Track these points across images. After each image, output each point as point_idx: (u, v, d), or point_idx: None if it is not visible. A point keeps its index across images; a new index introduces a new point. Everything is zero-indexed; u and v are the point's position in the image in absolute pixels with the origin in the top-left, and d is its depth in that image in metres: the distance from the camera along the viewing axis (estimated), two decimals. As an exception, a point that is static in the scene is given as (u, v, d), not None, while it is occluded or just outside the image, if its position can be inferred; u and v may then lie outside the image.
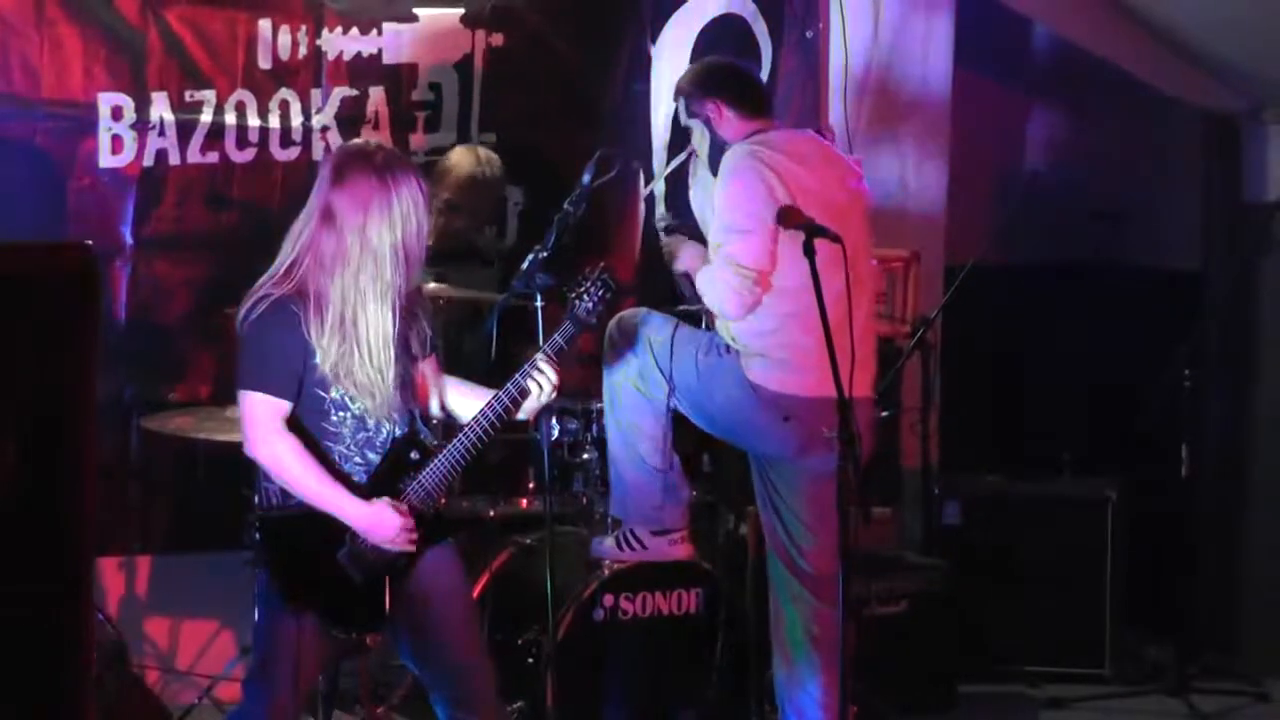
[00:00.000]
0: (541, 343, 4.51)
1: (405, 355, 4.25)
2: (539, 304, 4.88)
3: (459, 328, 5.68)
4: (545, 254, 4.85)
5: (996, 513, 6.64)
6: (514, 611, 5.08)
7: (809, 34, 6.80)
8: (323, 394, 4.17)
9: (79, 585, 2.73)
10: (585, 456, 5.20)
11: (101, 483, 5.33)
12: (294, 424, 4.16)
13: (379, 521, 4.16)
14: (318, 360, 4.13)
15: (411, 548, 4.21)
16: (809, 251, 4.95)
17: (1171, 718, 6.19)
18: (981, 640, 6.42)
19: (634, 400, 5.07)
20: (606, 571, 5.03)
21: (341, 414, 4.19)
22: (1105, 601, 6.54)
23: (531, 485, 5.22)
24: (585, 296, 4.38)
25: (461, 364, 5.62)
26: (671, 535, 5.08)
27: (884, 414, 5.88)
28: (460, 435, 4.27)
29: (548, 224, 5.05)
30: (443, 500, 4.30)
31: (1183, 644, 6.55)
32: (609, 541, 5.10)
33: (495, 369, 4.92)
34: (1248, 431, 6.91)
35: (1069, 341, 7.14)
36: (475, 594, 5.19)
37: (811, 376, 4.72)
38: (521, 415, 4.37)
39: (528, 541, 5.33)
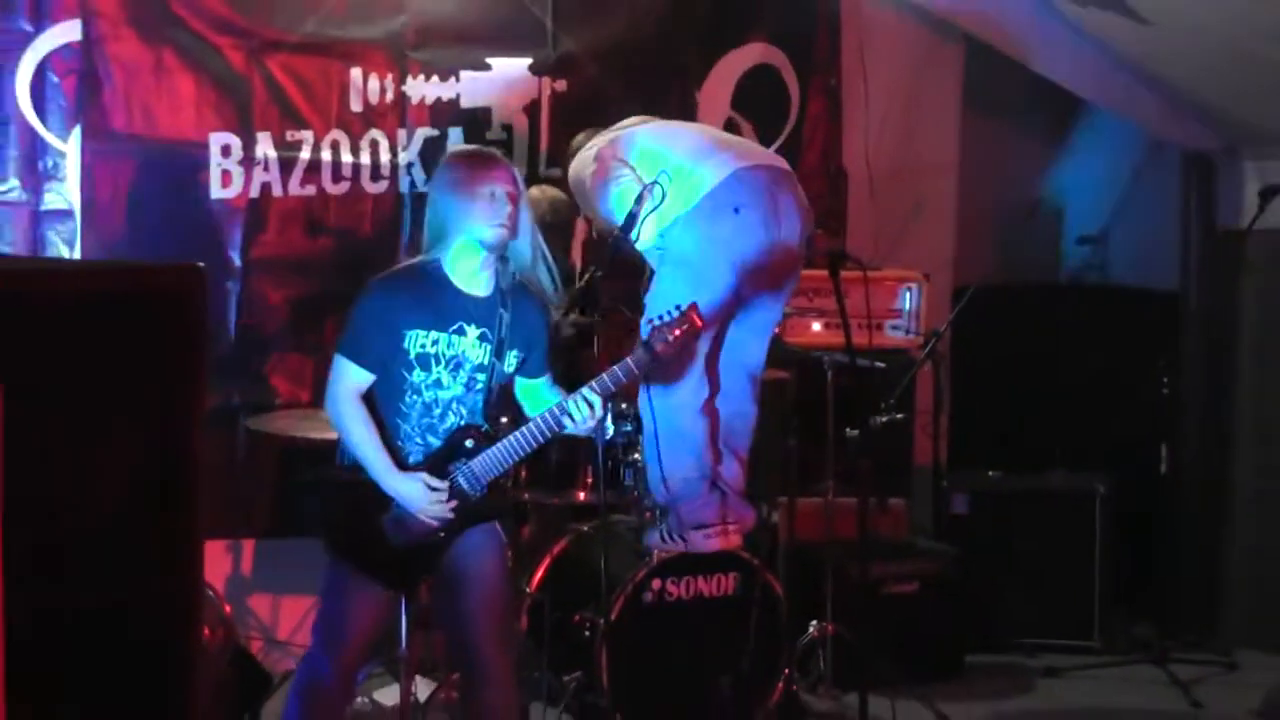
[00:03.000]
0: (595, 358, 4.41)
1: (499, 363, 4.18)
2: (595, 318, 4.83)
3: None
4: (602, 275, 4.76)
5: (998, 504, 6.57)
6: (572, 592, 5.03)
7: (832, 81, 6.77)
8: (406, 374, 4.11)
9: (191, 570, 2.69)
10: (636, 456, 5.13)
11: (211, 477, 5.32)
12: (371, 397, 4.11)
13: (410, 492, 4.09)
14: (406, 345, 4.09)
15: (439, 521, 4.11)
16: (834, 273, 4.94)
17: (1153, 684, 6.10)
18: (985, 616, 6.38)
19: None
20: (655, 560, 4.98)
21: (414, 397, 4.12)
22: (1095, 583, 6.48)
23: (589, 480, 5.16)
24: (665, 330, 4.14)
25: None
26: (707, 530, 5.00)
27: (899, 417, 5.83)
28: (514, 434, 4.15)
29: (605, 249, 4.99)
30: (491, 488, 4.17)
31: (1163, 620, 6.54)
32: (656, 534, 5.04)
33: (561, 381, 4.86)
34: (1223, 434, 6.82)
35: (1063, 353, 7.07)
36: (538, 577, 5.17)
37: None
38: (573, 430, 4.20)
39: (585, 529, 5.29)
